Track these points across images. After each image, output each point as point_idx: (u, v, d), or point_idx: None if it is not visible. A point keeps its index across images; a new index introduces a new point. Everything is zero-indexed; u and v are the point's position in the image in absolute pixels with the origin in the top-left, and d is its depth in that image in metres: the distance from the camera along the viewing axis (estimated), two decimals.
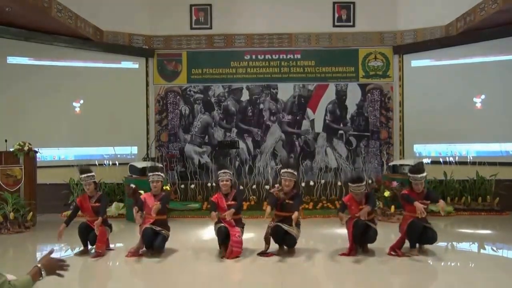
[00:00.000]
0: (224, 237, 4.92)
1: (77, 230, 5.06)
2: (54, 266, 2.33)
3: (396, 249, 4.83)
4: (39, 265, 2.27)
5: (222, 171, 5.12)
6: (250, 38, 9.55)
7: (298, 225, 4.96)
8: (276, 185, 5.09)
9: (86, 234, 5.04)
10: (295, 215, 4.72)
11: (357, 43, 9.49)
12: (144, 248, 4.99)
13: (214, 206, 5.02)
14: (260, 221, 6.75)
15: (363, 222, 4.80)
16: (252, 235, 5.76)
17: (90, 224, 5.01)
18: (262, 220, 6.80)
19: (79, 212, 5.26)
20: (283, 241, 4.98)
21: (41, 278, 2.26)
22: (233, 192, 5.13)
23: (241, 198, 5.19)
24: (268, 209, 4.85)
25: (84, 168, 5.24)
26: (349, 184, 4.94)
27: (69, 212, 5.55)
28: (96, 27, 8.81)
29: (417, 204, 4.69)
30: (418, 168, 4.94)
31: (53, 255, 2.36)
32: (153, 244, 4.91)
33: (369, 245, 5.01)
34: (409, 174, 5.01)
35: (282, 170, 5.01)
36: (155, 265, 4.64)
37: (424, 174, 4.89)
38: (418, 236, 4.83)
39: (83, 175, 5.17)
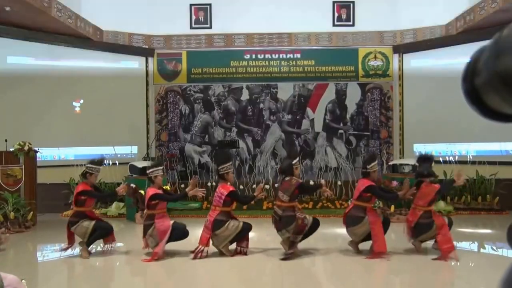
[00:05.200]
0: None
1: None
2: None
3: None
4: None
5: (230, 163, 5.13)
6: (250, 37, 9.54)
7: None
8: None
9: (91, 234, 5.07)
10: None
11: (357, 43, 9.48)
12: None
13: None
14: (260, 221, 6.78)
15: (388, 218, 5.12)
16: (252, 234, 5.75)
17: (89, 215, 5.11)
18: (262, 219, 6.87)
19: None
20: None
21: None
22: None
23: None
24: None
25: (98, 160, 5.31)
26: (366, 166, 4.93)
27: (69, 212, 5.57)
28: (96, 26, 8.81)
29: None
30: (425, 156, 5.02)
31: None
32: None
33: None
34: (416, 163, 5.12)
35: (294, 161, 5.02)
36: (155, 265, 4.64)
37: (431, 163, 4.95)
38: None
39: (93, 165, 5.18)
